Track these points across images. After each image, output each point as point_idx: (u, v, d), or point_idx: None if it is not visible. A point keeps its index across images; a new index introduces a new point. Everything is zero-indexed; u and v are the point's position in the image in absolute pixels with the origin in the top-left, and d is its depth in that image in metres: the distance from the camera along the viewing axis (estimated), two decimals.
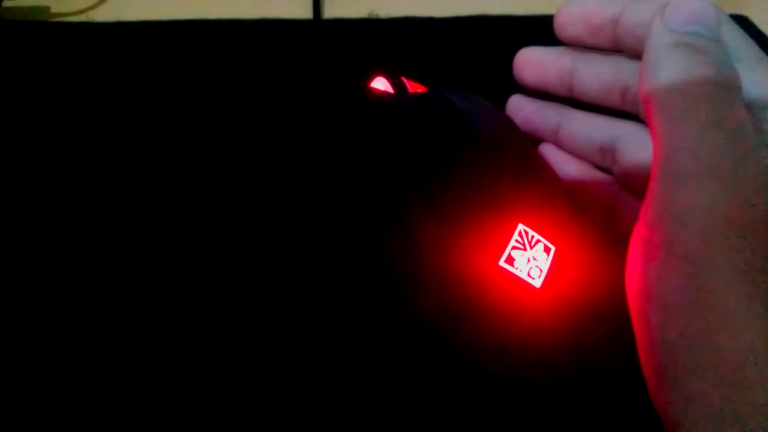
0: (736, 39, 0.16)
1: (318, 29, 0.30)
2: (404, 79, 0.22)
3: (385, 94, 0.21)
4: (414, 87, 0.22)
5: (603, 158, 0.20)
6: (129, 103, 0.26)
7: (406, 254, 0.17)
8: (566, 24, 0.20)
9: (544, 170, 0.20)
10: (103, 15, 0.31)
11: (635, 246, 0.14)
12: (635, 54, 0.19)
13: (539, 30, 0.30)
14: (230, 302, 0.21)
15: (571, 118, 0.21)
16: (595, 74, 0.20)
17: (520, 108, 0.22)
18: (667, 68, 0.14)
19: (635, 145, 0.19)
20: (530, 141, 0.21)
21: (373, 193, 0.17)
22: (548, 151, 0.21)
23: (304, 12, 0.31)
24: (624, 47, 0.19)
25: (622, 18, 0.18)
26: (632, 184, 0.19)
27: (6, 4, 0.30)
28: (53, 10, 0.31)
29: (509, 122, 0.21)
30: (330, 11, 0.31)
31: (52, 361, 0.20)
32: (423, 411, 0.19)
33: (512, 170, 0.18)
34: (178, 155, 0.25)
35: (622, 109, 0.20)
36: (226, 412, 0.19)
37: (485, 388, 0.18)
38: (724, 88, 0.14)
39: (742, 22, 0.33)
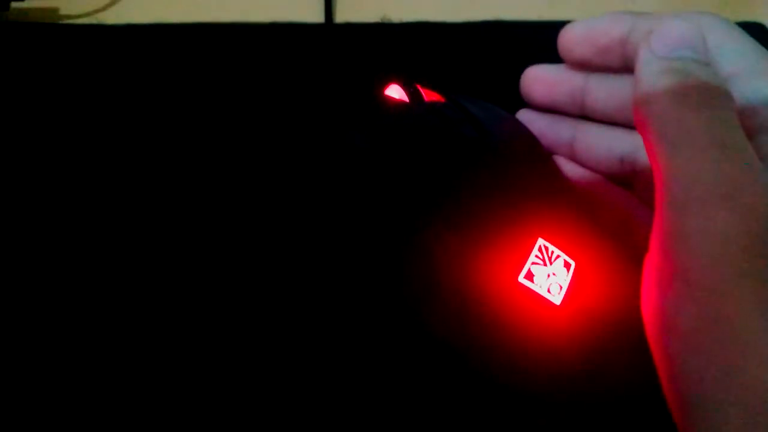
0: (747, 50, 0.16)
1: (330, 33, 0.30)
2: (419, 87, 0.21)
3: (400, 102, 0.21)
4: (429, 95, 0.21)
5: (623, 170, 0.20)
6: (138, 106, 0.26)
7: (421, 269, 0.17)
8: (572, 45, 0.19)
9: (563, 183, 0.19)
10: (112, 17, 0.31)
11: (649, 274, 0.14)
12: None
13: (555, 36, 0.30)
14: (246, 311, 0.20)
15: (587, 130, 0.20)
16: (609, 92, 0.19)
17: (530, 122, 0.22)
18: (659, 96, 0.14)
19: None
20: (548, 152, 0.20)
21: (389, 207, 0.17)
22: (562, 164, 0.21)
23: (316, 16, 0.31)
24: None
25: (632, 37, 0.18)
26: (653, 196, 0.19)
27: (14, 5, 0.30)
28: (62, 11, 0.31)
29: (527, 133, 0.20)
30: (342, 15, 0.31)
31: (51, 360, 0.19)
32: (437, 426, 0.18)
33: (531, 183, 0.18)
34: (189, 159, 0.24)
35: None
36: (237, 414, 0.18)
37: (502, 405, 0.18)
38: (718, 110, 0.14)
39: (758, 30, 0.32)
